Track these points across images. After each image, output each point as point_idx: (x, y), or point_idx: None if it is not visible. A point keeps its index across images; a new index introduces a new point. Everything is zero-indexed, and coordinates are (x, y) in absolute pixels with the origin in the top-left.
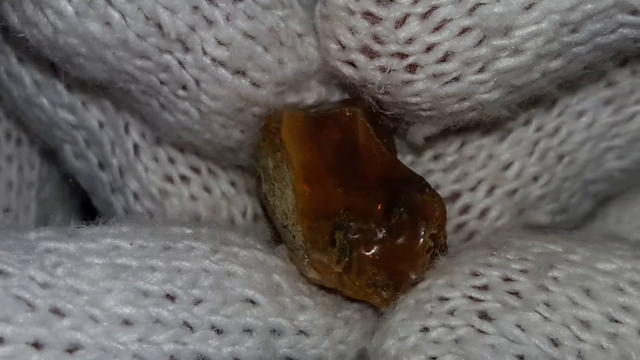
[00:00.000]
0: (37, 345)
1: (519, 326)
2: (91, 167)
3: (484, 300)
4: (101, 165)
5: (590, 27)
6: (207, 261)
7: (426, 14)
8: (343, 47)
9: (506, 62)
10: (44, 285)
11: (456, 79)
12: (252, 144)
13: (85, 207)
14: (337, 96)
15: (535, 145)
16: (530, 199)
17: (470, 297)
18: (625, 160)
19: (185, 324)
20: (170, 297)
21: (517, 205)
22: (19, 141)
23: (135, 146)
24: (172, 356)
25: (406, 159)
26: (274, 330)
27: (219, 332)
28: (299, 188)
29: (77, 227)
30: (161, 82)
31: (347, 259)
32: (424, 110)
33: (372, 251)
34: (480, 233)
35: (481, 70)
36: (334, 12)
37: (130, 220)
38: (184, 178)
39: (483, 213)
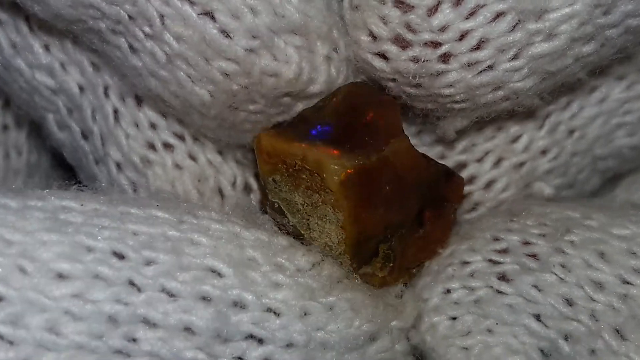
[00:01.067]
0: None
1: (535, 287)
2: (74, 138)
3: (503, 263)
4: (84, 135)
5: (623, 8)
6: (169, 227)
7: (459, 0)
8: (374, 38)
9: (540, 48)
10: None
11: (490, 67)
12: (219, 116)
13: None
14: (323, 76)
15: (545, 119)
16: (537, 173)
17: (490, 260)
18: (635, 138)
19: (131, 283)
20: (117, 255)
21: (523, 178)
22: (5, 127)
23: (116, 111)
24: (110, 316)
25: (410, 130)
26: (235, 303)
27: (170, 296)
28: (349, 228)
29: (28, 188)
30: (129, 17)
31: (391, 264)
32: (457, 102)
33: (412, 249)
34: (484, 204)
35: (515, 57)
36: (365, 2)
37: (91, 190)
38: (167, 145)
39: (488, 185)
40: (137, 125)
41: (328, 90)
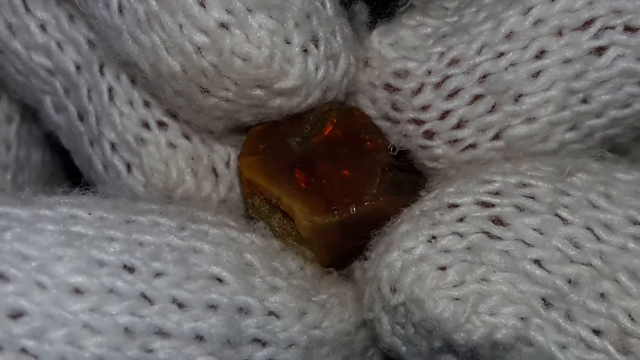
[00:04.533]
0: None
1: (536, 229)
2: (70, 119)
3: (497, 205)
4: (80, 115)
5: (601, 97)
6: (172, 236)
7: (439, 83)
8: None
9: (520, 129)
10: None
11: (472, 145)
12: (189, 95)
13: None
14: (297, 69)
15: None
16: None
17: (482, 203)
18: None
19: (143, 295)
20: (128, 268)
21: None
22: None
23: (110, 89)
24: (126, 328)
25: None
26: (240, 308)
27: (180, 306)
28: (318, 256)
29: (34, 195)
30: None
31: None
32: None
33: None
34: None
35: (496, 137)
36: (360, 87)
37: (93, 193)
38: (161, 124)
39: None
40: (131, 104)
41: (304, 86)
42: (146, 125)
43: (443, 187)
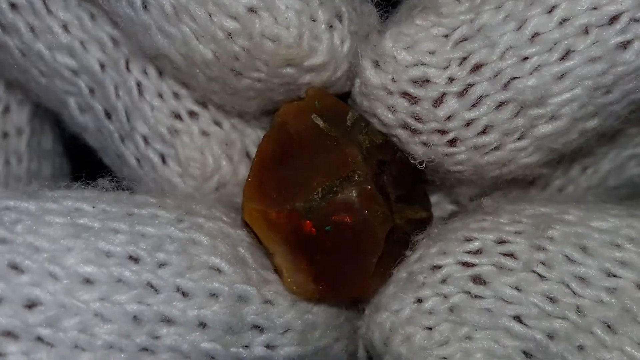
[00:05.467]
0: None
1: (514, 287)
2: (98, 118)
3: (477, 265)
4: (107, 114)
5: (623, 87)
6: (172, 228)
7: (462, 92)
8: (384, 124)
9: (544, 129)
10: (2, 241)
11: (496, 148)
12: (223, 79)
13: None
14: (325, 45)
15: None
16: None
17: (464, 263)
18: None
19: (149, 285)
20: (134, 259)
21: None
22: (5, 134)
23: (139, 84)
24: (135, 316)
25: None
26: (240, 297)
27: (184, 294)
28: None
29: (38, 189)
30: None
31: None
32: (466, 176)
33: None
34: None
35: (520, 138)
36: (373, 92)
37: (93, 188)
38: (192, 113)
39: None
40: (161, 96)
41: (332, 61)
42: (178, 116)
43: (427, 248)
